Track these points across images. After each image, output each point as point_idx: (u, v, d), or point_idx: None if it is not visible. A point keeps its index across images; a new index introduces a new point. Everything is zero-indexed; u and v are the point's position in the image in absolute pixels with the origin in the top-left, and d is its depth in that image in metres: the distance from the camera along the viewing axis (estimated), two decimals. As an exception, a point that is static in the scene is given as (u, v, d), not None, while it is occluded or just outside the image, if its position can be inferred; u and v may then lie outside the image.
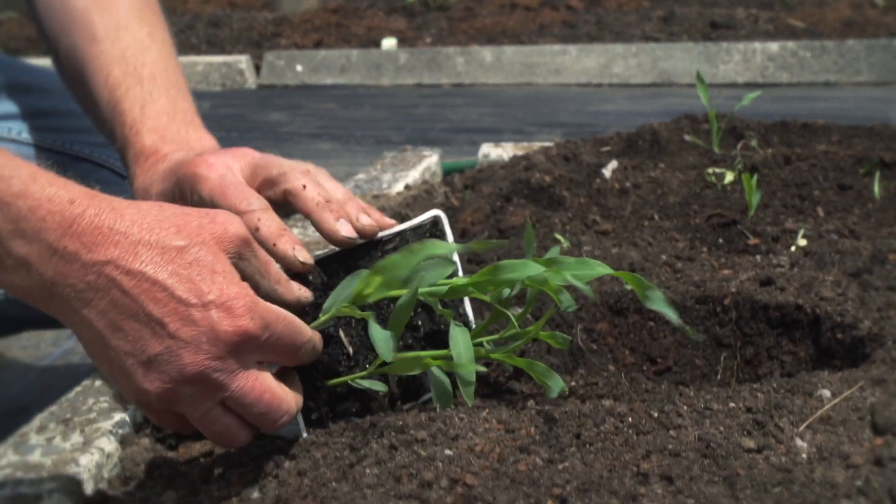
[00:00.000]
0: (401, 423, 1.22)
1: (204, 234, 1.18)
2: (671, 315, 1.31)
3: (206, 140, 1.62)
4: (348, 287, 1.30)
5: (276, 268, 1.30)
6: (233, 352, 1.16)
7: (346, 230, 1.38)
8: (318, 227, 1.39)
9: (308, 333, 1.28)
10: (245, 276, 1.23)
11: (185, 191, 1.44)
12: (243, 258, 1.24)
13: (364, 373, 1.36)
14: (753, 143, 2.91)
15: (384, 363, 1.32)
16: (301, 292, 1.32)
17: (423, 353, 1.32)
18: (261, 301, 1.20)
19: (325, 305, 1.32)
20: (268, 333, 1.19)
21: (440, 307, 1.34)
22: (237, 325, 1.15)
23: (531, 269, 1.29)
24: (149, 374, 1.14)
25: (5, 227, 1.07)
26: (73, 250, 1.10)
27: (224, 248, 1.20)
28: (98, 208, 1.12)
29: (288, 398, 1.25)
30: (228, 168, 1.43)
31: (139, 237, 1.13)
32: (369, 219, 1.41)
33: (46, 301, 1.13)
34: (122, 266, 1.11)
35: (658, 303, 1.32)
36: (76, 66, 1.78)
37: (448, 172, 3.20)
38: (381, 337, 1.27)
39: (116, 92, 1.68)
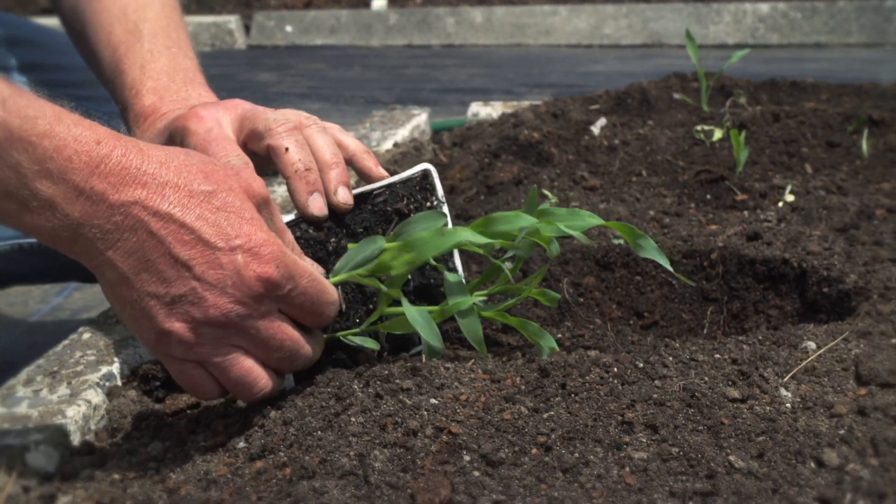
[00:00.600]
0: (386, 372, 1.22)
1: (231, 181, 1.18)
2: (663, 261, 1.31)
3: (206, 97, 1.60)
4: (361, 252, 1.29)
5: (290, 237, 1.29)
6: (257, 297, 1.16)
7: (316, 207, 1.37)
8: (292, 197, 1.38)
9: (334, 296, 1.27)
10: None
11: (175, 144, 1.43)
12: (261, 211, 1.22)
13: (357, 329, 1.36)
14: (742, 100, 2.91)
15: (378, 320, 1.32)
16: (314, 268, 1.31)
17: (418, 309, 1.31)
18: (289, 252, 1.19)
19: (337, 267, 1.31)
20: (292, 285, 1.18)
21: (433, 261, 1.34)
22: (263, 270, 1.15)
23: (524, 220, 1.29)
24: (171, 315, 1.14)
25: (30, 168, 1.06)
26: (100, 190, 1.09)
27: (249, 198, 1.20)
28: (125, 149, 1.11)
29: (309, 344, 1.25)
30: (217, 121, 1.42)
31: (167, 179, 1.13)
32: (346, 193, 1.39)
33: (71, 243, 1.11)
34: (150, 207, 1.11)
35: (650, 251, 1.32)
36: (79, 24, 1.76)
37: (437, 131, 3.20)
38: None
39: (118, 51, 1.66)
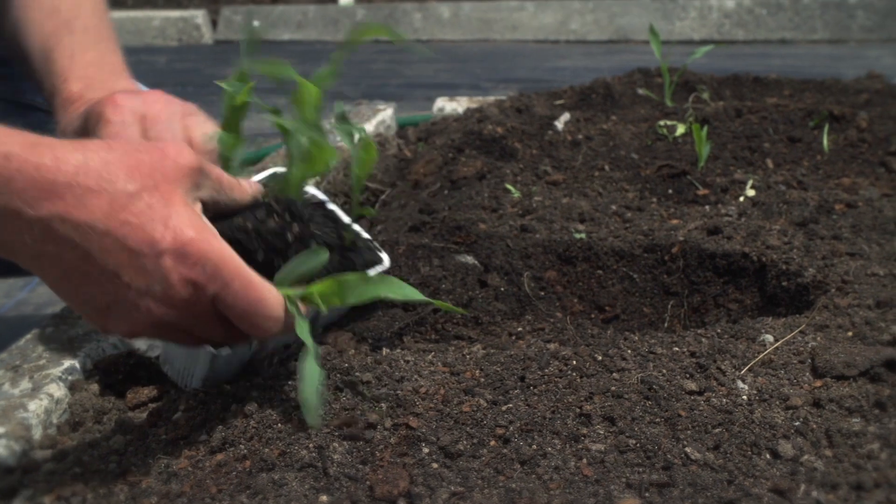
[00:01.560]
0: (346, 365, 1.22)
1: (156, 175, 1.12)
2: None
3: (130, 88, 1.59)
4: (299, 267, 1.23)
5: (226, 176, 1.24)
6: (188, 301, 1.12)
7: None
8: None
9: (275, 311, 1.15)
10: (205, 204, 1.19)
11: (90, 129, 1.42)
12: (200, 187, 1.18)
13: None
14: (705, 95, 2.92)
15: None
16: (252, 188, 1.27)
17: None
18: (221, 251, 1.12)
19: (278, 279, 1.24)
20: (218, 287, 1.12)
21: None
22: (189, 273, 1.10)
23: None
24: (109, 320, 1.11)
25: None
26: (14, 208, 1.04)
27: (179, 184, 1.14)
28: (38, 160, 1.06)
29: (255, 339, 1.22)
30: (133, 114, 1.41)
31: (86, 186, 1.07)
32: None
33: (1, 250, 1.10)
34: (70, 220, 1.06)
35: None
36: (12, 15, 1.77)
37: (403, 126, 3.20)
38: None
39: (49, 42, 1.66)
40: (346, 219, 1.45)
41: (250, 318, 1.14)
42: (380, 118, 3.02)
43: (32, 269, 1.10)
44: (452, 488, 1.00)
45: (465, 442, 1.07)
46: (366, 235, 1.48)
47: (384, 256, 1.47)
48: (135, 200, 1.09)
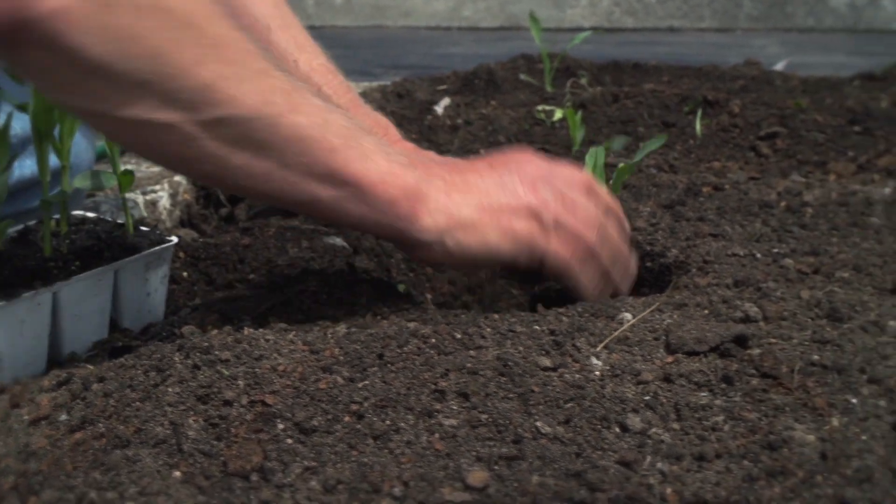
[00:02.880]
0: (206, 344, 1.23)
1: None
2: None
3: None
4: None
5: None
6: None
7: None
8: None
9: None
10: None
11: None
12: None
13: None
14: (584, 81, 2.96)
15: None
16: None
17: None
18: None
19: None
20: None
21: None
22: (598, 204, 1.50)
23: None
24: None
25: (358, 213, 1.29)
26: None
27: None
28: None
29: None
30: None
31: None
32: None
33: None
34: None
35: None
36: None
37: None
38: None
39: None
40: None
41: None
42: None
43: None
44: (306, 463, 1.01)
45: (319, 418, 1.09)
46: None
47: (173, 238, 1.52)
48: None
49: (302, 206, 1.29)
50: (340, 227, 1.45)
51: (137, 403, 1.13)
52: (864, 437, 1.06)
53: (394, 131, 1.77)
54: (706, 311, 1.39)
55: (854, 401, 1.13)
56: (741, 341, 1.27)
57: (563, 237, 1.38)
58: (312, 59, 1.81)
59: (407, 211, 1.29)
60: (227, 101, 1.13)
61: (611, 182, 1.61)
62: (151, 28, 1.07)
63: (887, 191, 1.95)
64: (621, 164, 1.64)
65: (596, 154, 1.64)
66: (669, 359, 1.25)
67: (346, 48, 6.94)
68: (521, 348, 1.25)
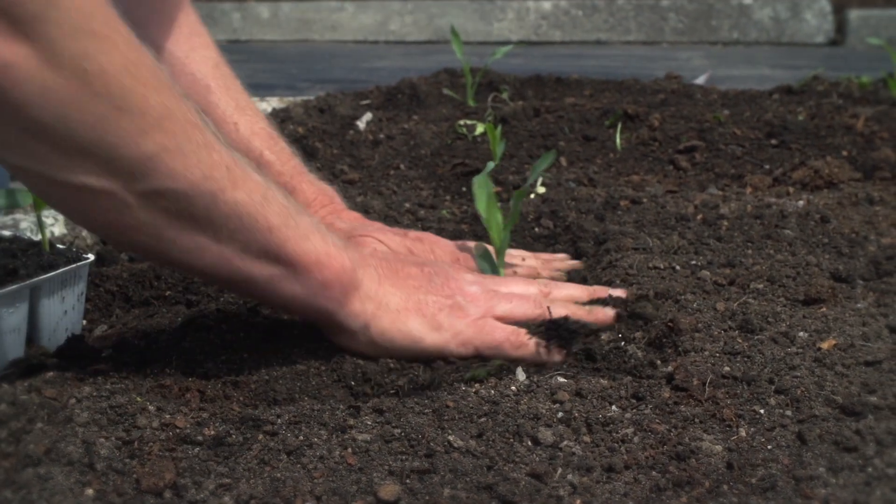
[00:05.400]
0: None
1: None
2: None
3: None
4: None
5: None
6: None
7: None
8: None
9: None
10: None
11: None
12: None
13: None
14: (505, 95, 2.98)
15: None
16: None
17: None
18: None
19: None
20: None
21: None
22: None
23: None
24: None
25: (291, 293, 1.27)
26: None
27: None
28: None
29: None
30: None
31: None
32: None
33: None
34: None
35: None
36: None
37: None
38: None
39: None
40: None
41: None
42: (186, 118, 3.02)
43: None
44: (219, 480, 1.01)
45: (234, 435, 1.09)
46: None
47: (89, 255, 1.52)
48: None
49: (233, 284, 1.27)
50: (268, 305, 1.43)
51: (46, 424, 1.13)
52: (769, 447, 1.08)
53: (339, 201, 1.76)
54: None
55: (761, 411, 1.16)
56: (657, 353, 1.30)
57: (491, 328, 1.37)
58: (254, 123, 1.80)
59: (339, 294, 1.28)
60: (169, 173, 1.11)
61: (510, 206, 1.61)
62: (97, 94, 1.05)
63: (801, 203, 1.98)
64: (517, 190, 1.64)
65: (486, 185, 1.63)
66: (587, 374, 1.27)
67: (272, 62, 6.93)
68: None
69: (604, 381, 1.24)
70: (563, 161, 2.35)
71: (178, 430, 1.10)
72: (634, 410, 1.17)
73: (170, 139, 1.10)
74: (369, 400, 1.18)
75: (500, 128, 2.29)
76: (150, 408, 1.15)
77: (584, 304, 1.44)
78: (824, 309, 1.44)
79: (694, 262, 1.64)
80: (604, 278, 1.61)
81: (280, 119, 2.66)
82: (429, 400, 1.17)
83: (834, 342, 1.30)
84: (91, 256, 1.50)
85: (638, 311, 1.40)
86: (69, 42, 1.02)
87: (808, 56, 6.83)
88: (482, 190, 1.61)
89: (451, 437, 1.09)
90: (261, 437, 1.10)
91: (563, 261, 1.72)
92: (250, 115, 1.79)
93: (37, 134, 1.04)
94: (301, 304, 1.28)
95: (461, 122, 2.60)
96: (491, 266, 1.60)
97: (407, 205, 2.01)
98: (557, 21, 8.08)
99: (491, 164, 1.76)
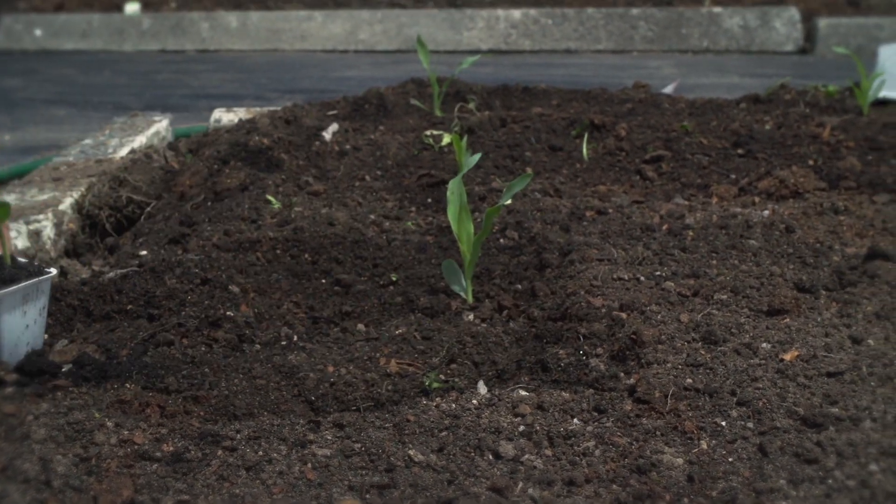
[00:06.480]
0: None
1: None
2: None
3: None
4: None
5: None
6: None
7: None
8: None
9: None
10: None
11: None
12: None
13: None
14: (472, 105, 2.97)
15: None
16: None
17: None
18: None
19: None
20: None
21: None
22: None
23: None
24: None
25: None
26: None
27: None
28: None
29: None
30: None
31: None
32: None
33: None
34: None
35: None
36: None
37: (178, 138, 3.19)
38: None
39: None
40: None
41: None
42: (154, 129, 3.01)
43: None
44: (177, 497, 1.01)
45: (193, 451, 1.09)
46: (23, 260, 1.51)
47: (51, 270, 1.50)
48: None
49: None
50: None
51: (3, 442, 1.12)
52: (730, 459, 1.08)
53: None
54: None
55: (723, 423, 1.15)
56: (619, 364, 1.29)
57: None
58: None
59: None
60: None
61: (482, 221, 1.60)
62: None
63: (766, 213, 1.99)
64: (489, 209, 1.63)
65: (459, 191, 1.63)
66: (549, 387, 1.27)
67: (241, 72, 6.91)
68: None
69: (566, 394, 1.23)
70: (530, 171, 2.35)
71: (136, 447, 1.10)
72: (596, 423, 1.17)
73: None
74: (329, 415, 1.17)
75: (466, 138, 2.28)
76: (109, 424, 1.14)
77: None
78: (788, 320, 1.44)
79: (658, 273, 1.64)
80: (568, 290, 1.60)
81: (246, 131, 2.65)
82: (389, 414, 1.17)
83: (797, 353, 1.31)
84: (53, 271, 1.49)
85: None
86: None
87: (778, 64, 6.86)
88: (455, 196, 1.61)
89: (411, 452, 1.09)
90: (220, 452, 1.09)
91: None
92: None
93: None
94: None
95: (427, 133, 2.59)
96: (458, 282, 1.60)
97: (372, 216, 2.01)
98: (527, 30, 8.08)
99: (465, 169, 1.75)
